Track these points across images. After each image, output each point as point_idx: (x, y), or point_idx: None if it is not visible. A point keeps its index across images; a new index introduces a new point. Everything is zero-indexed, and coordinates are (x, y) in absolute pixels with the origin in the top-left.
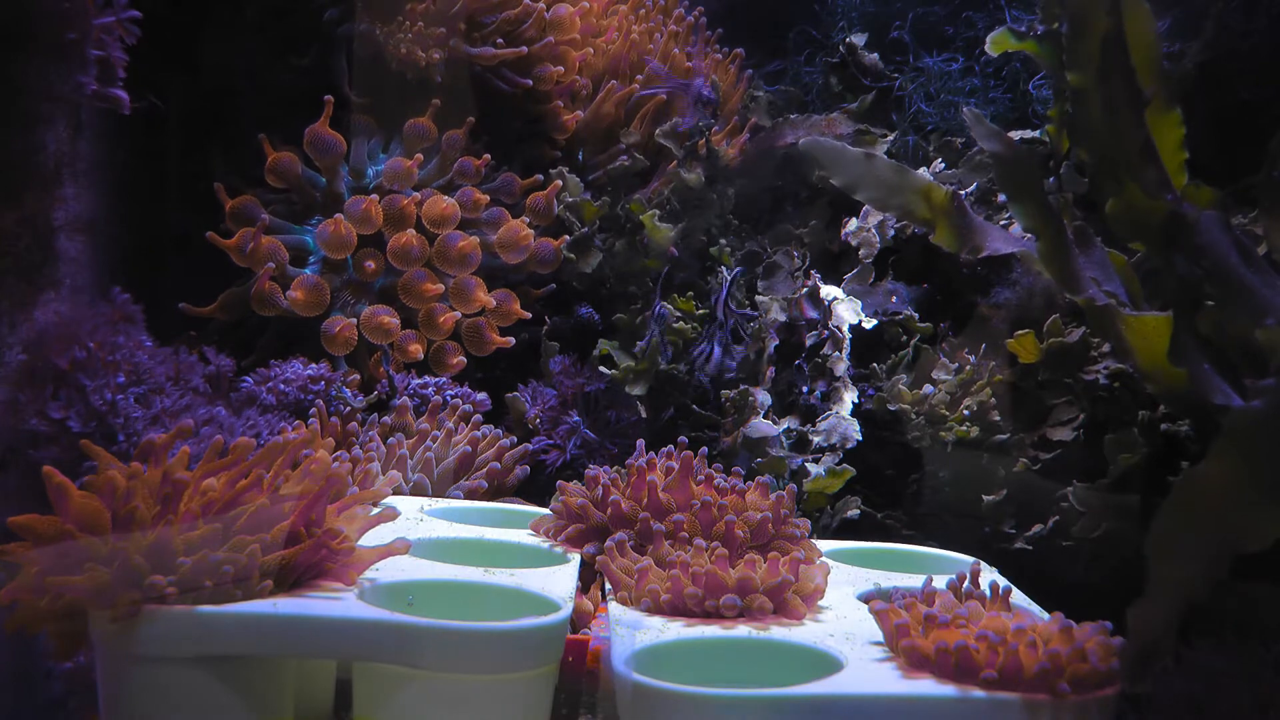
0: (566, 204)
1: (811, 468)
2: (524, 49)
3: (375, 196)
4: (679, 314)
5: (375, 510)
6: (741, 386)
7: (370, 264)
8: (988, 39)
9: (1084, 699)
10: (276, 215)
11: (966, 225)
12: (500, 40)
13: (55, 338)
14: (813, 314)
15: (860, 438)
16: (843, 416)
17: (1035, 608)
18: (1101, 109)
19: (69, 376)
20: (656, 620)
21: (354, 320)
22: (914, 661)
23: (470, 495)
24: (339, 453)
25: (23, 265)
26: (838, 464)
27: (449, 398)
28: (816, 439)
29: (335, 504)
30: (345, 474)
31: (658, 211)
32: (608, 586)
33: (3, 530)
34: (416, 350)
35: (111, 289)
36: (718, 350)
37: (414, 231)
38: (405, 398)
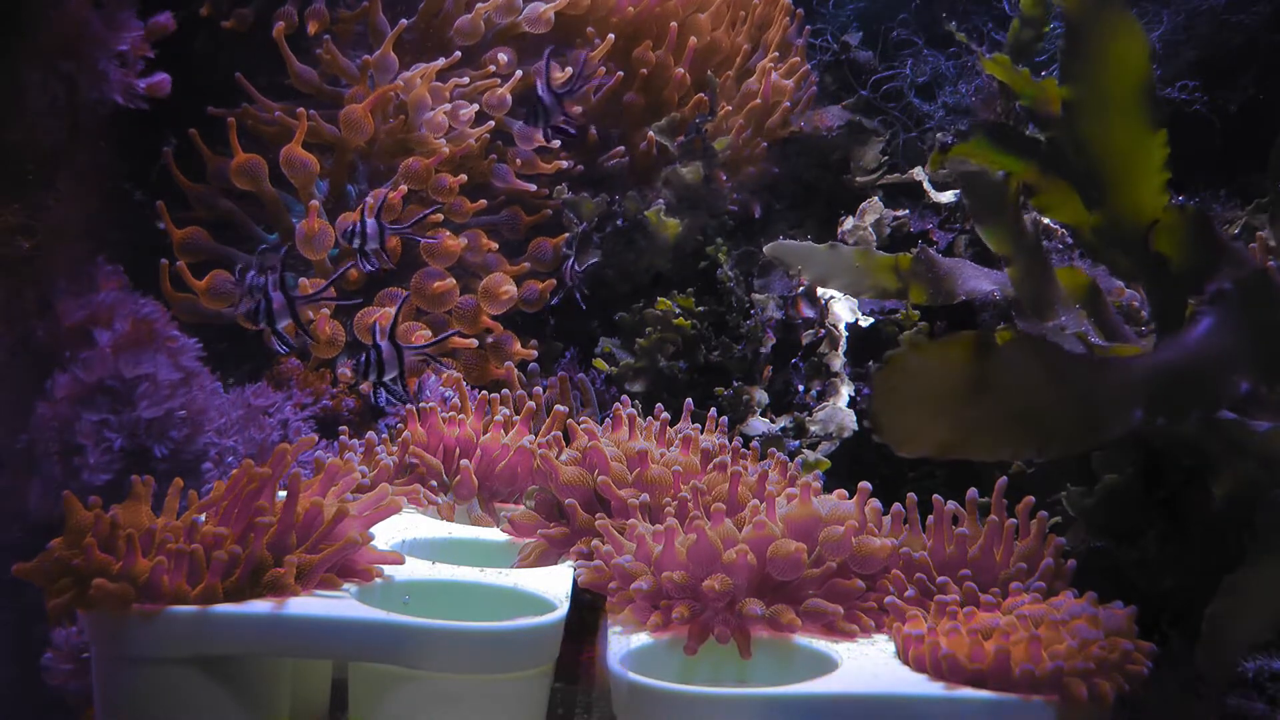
0: (565, 200)
1: (809, 453)
2: None
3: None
4: (679, 310)
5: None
6: (738, 384)
7: (353, 273)
8: (987, 58)
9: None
10: (243, 216)
11: (937, 275)
12: None
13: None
14: (809, 313)
15: (857, 426)
16: (839, 407)
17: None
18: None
19: (105, 387)
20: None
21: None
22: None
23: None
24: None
25: (24, 262)
26: (829, 454)
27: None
28: (814, 428)
29: (335, 490)
30: (342, 465)
31: (663, 206)
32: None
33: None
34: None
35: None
36: None
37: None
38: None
